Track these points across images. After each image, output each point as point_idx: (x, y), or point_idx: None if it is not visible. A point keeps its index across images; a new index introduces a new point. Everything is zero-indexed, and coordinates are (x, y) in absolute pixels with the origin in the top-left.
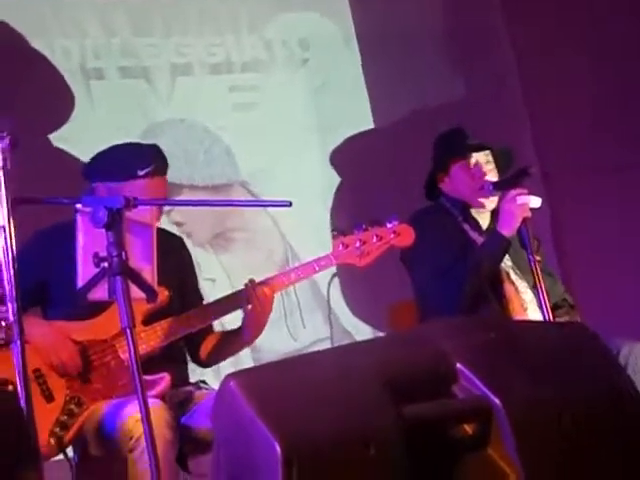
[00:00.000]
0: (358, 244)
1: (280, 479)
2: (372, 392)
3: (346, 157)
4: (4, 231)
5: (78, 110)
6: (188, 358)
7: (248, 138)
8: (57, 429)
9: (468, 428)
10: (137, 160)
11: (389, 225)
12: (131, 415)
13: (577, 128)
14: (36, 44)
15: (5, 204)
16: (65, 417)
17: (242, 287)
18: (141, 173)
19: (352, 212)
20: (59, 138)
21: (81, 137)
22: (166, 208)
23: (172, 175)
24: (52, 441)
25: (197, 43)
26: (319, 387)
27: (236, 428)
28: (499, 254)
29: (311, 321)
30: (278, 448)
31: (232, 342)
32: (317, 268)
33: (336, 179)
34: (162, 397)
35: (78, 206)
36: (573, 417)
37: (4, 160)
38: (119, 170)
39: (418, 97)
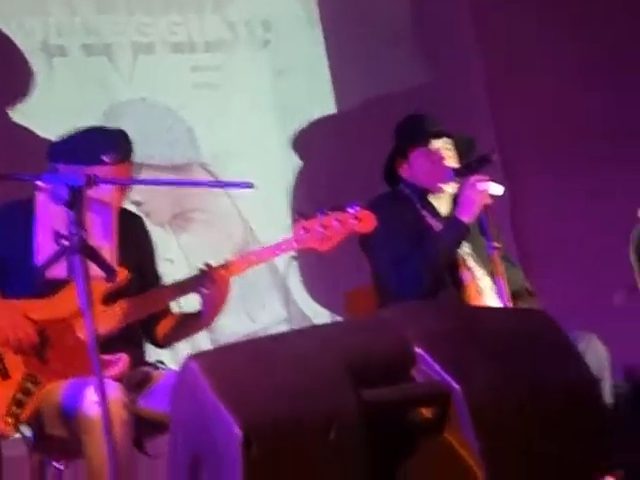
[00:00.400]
0: (319, 229)
1: (239, 460)
2: (332, 376)
3: (308, 141)
4: None
5: (40, 87)
6: (145, 339)
7: (210, 119)
8: (13, 407)
9: (426, 412)
10: (103, 146)
11: (351, 210)
12: (88, 395)
13: (540, 117)
14: None
15: None
16: (21, 395)
17: (199, 270)
18: (106, 159)
19: (313, 196)
20: (20, 114)
21: (42, 113)
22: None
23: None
24: (8, 419)
25: (160, 22)
26: (280, 370)
27: (196, 409)
28: (457, 240)
29: (269, 303)
30: (238, 430)
31: (189, 324)
32: (278, 252)
33: (297, 162)
34: (120, 378)
35: (39, 183)
36: (533, 403)
37: None
38: (84, 155)
39: (382, 82)
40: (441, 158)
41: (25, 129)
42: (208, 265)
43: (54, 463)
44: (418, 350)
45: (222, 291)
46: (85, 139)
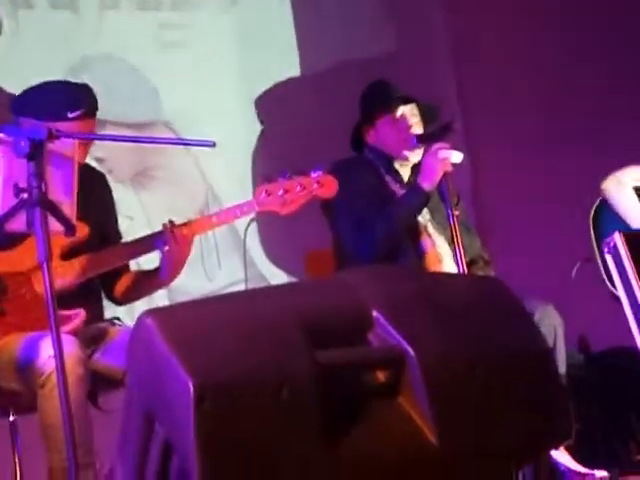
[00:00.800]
0: (281, 192)
1: (192, 416)
2: (287, 336)
3: (271, 103)
4: None
5: (5, 38)
6: (103, 295)
7: (174, 77)
8: None
9: (381, 375)
10: (68, 102)
11: (313, 175)
12: (44, 350)
13: (504, 90)
14: None
15: None
16: None
17: (161, 228)
18: (71, 115)
19: (275, 159)
20: None
21: (6, 66)
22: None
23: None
24: None
25: None
26: (235, 328)
27: (151, 365)
28: (418, 207)
29: (227, 264)
30: (191, 385)
31: (148, 282)
32: (239, 213)
33: (260, 125)
34: (76, 333)
35: (0, 135)
36: (486, 369)
37: None
38: (49, 110)
39: (347, 47)
40: (408, 126)
41: None
42: (171, 222)
43: (9, 416)
44: (375, 313)
45: (183, 250)
46: (50, 95)
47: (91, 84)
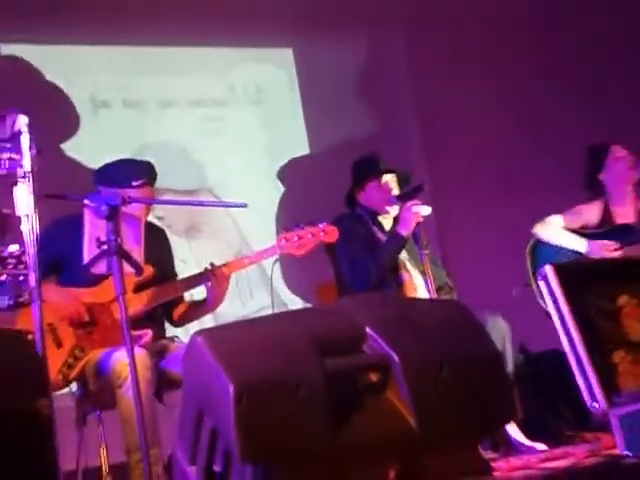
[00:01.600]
0: (296, 239)
1: (233, 410)
2: (302, 348)
3: (289, 173)
4: (29, 218)
5: (87, 129)
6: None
7: (215, 156)
8: (64, 369)
9: (373, 376)
10: (133, 173)
11: (320, 225)
12: (120, 360)
13: (460, 159)
14: (57, 80)
15: (32, 198)
16: (71, 359)
17: (205, 268)
18: (135, 184)
19: (292, 215)
20: (70, 149)
21: (88, 149)
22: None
23: (157, 182)
24: (60, 377)
25: (178, 83)
26: (263, 343)
27: (201, 372)
28: (397, 249)
29: (257, 294)
30: (232, 387)
31: (198, 310)
32: (265, 256)
33: (281, 190)
34: (145, 347)
35: (86, 202)
36: (450, 369)
37: (32, 165)
38: (119, 180)
39: (344, 131)
40: (390, 190)
41: (74, 160)
42: (212, 264)
43: (97, 411)
44: (368, 330)
45: (222, 285)
46: (120, 168)
47: (152, 161)
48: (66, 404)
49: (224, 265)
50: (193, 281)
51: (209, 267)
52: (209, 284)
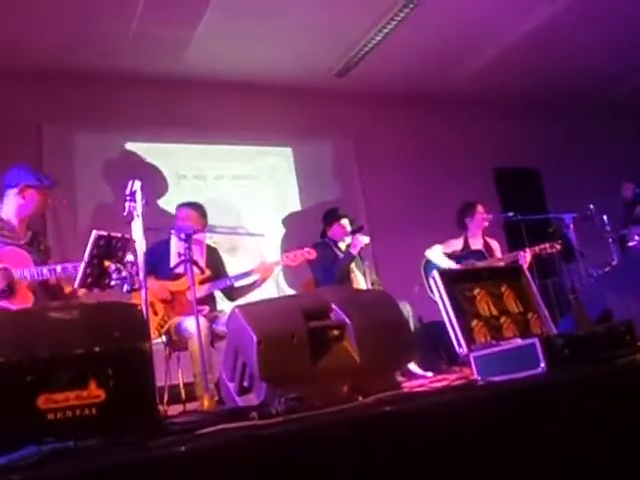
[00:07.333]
0: (292, 256)
1: (255, 351)
2: (296, 314)
3: (289, 219)
4: (140, 241)
5: (172, 191)
6: (219, 297)
7: (246, 208)
8: (159, 327)
9: (336, 332)
10: (195, 214)
11: (305, 249)
12: (191, 323)
13: (388, 207)
14: (156, 162)
15: (142, 229)
16: (162, 322)
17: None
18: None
19: (290, 242)
20: (162, 203)
21: (172, 203)
22: (208, 235)
23: (213, 221)
24: (155, 332)
25: (224, 165)
26: (273, 312)
27: (236, 329)
28: (349, 262)
29: (268, 287)
30: (255, 338)
31: (250, 288)
32: (275, 265)
33: (285, 230)
34: (205, 316)
35: (172, 232)
36: (379, 328)
37: (142, 211)
38: (186, 217)
39: (320, 195)
40: (345, 228)
41: (165, 209)
42: (262, 261)
43: (176, 352)
44: (333, 306)
45: (267, 272)
46: (187, 209)
47: (211, 211)
48: (159, 347)
49: (268, 263)
50: (246, 273)
51: (258, 263)
52: (256, 273)
